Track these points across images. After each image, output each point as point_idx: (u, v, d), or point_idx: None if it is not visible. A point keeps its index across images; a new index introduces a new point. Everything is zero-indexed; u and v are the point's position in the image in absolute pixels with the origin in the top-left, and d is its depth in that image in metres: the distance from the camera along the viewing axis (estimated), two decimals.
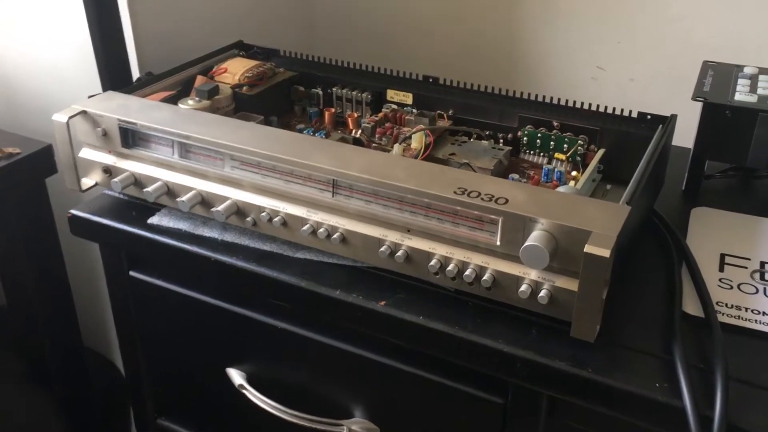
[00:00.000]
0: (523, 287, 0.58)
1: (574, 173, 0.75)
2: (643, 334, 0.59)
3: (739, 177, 0.83)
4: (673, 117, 0.73)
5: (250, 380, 0.76)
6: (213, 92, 0.79)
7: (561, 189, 0.62)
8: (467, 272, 0.59)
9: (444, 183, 0.60)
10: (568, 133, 0.76)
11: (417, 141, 0.75)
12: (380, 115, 0.82)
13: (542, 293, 0.57)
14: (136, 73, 0.90)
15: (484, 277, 0.59)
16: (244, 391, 0.75)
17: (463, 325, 0.60)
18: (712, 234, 0.72)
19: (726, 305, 0.61)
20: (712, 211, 0.76)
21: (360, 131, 0.77)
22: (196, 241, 0.70)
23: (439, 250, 0.61)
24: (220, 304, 0.74)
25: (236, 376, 0.76)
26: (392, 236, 0.62)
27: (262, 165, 0.66)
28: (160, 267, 0.77)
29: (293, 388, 0.74)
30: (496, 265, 0.59)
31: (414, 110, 0.83)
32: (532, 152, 0.79)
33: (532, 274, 0.57)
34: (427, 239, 0.61)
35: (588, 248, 0.52)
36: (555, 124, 0.77)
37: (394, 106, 0.84)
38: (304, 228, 0.65)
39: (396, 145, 0.72)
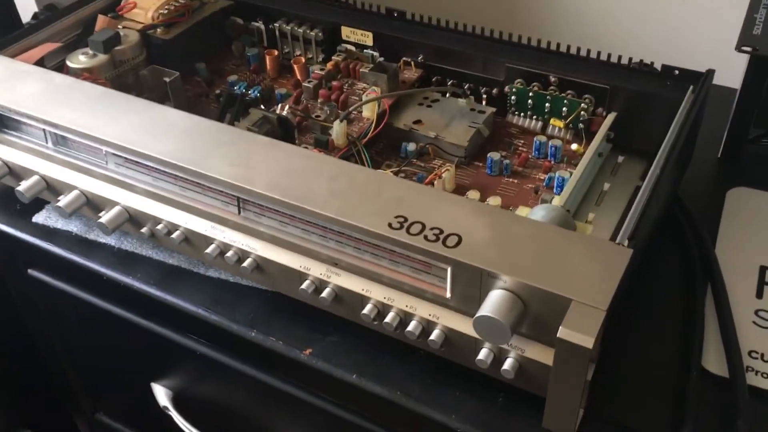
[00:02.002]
0: (482, 354, 0.43)
1: (574, 146, 0.58)
2: (645, 404, 0.45)
3: None
4: (710, 73, 0.54)
5: (177, 399, 0.63)
6: (112, 42, 0.62)
7: (538, 212, 0.45)
8: (411, 325, 0.44)
9: (379, 207, 0.43)
10: (569, 92, 0.58)
11: (369, 110, 0.58)
12: (330, 65, 0.64)
13: (507, 364, 0.42)
14: (31, 8, 0.72)
15: (433, 335, 0.44)
16: (168, 412, 0.63)
17: (408, 389, 0.46)
18: (753, 231, 0.54)
19: (762, 357, 0.46)
20: (754, 194, 0.58)
21: (288, 109, 0.58)
22: (86, 250, 0.56)
23: (375, 293, 0.45)
24: (129, 317, 0.60)
25: (161, 393, 0.64)
26: (316, 270, 0.47)
27: (148, 165, 0.50)
28: (57, 268, 0.63)
29: (225, 415, 0.62)
30: (447, 320, 0.43)
31: (374, 53, 0.65)
32: (521, 114, 0.61)
33: None
34: (361, 277, 0.46)
35: (563, 332, 0.36)
36: (552, 79, 0.58)
37: (351, 47, 0.66)
38: (209, 250, 0.50)
39: (336, 123, 0.55)
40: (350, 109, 0.57)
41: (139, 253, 0.55)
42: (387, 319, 0.45)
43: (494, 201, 0.53)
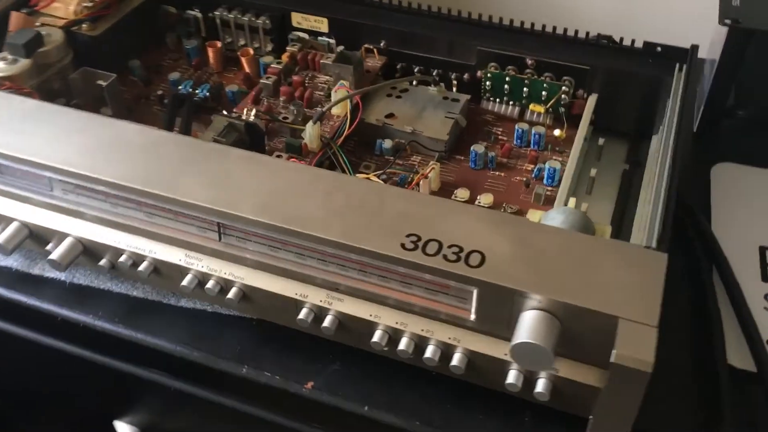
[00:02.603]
0: (512, 377, 0.39)
1: (557, 132, 0.55)
2: (672, 408, 0.43)
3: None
4: (695, 49, 0.52)
5: None
6: (34, 43, 0.54)
7: (556, 217, 0.41)
8: (429, 351, 0.40)
9: (385, 225, 0.39)
10: (547, 75, 0.55)
11: (339, 106, 0.53)
12: (285, 57, 0.59)
13: (541, 386, 0.39)
14: None
15: (454, 360, 0.40)
16: None
17: (427, 418, 0.42)
18: (746, 209, 0.53)
19: None
20: (740, 170, 0.57)
21: (252, 112, 0.52)
22: (33, 287, 0.49)
23: (385, 318, 0.41)
24: (86, 355, 0.53)
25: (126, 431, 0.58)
26: (315, 296, 0.42)
27: (104, 191, 0.43)
28: None
29: None
30: (470, 342, 0.40)
31: (330, 41, 0.59)
32: (497, 100, 0.57)
33: None
34: (367, 301, 0.41)
35: (618, 356, 0.33)
36: (528, 62, 0.55)
37: (303, 35, 0.60)
38: (186, 282, 0.44)
39: (310, 126, 0.50)
40: (324, 109, 0.52)
41: (96, 286, 0.49)
42: (401, 346, 0.41)
43: (486, 199, 0.50)
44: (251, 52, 0.60)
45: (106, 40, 0.58)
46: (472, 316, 0.39)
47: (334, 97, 0.53)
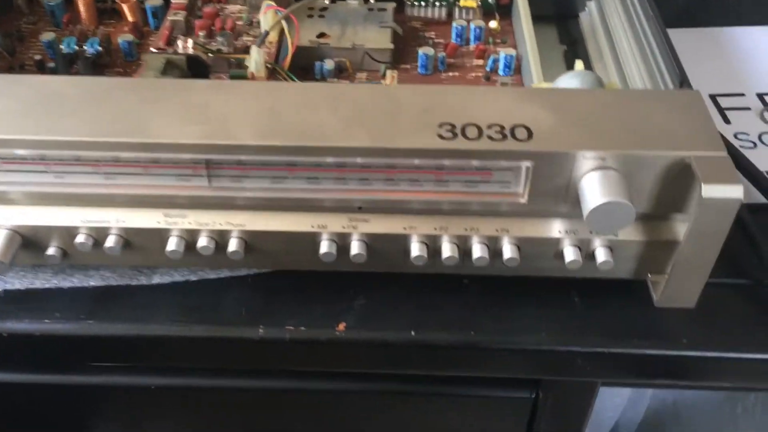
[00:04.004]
0: (570, 254, 0.37)
1: (493, 24, 0.52)
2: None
3: None
4: None
5: None
6: None
7: (572, 81, 0.39)
8: (476, 250, 0.37)
9: (413, 121, 0.35)
10: None
11: (273, 30, 0.47)
12: None
13: (602, 255, 0.37)
14: None
15: (507, 253, 0.37)
16: None
17: (479, 326, 0.39)
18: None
19: None
20: None
21: (188, 44, 0.45)
22: None
23: (422, 227, 0.37)
24: (36, 380, 0.44)
25: None
26: (335, 224, 0.37)
27: (45, 158, 0.35)
28: None
29: None
30: (519, 229, 0.37)
31: None
32: (423, 4, 0.54)
33: (581, 231, 0.37)
34: (396, 214, 0.37)
35: (709, 190, 0.32)
36: None
37: None
38: (171, 247, 0.37)
39: (255, 51, 0.43)
40: (266, 31, 0.45)
41: (39, 287, 0.40)
42: (446, 253, 0.37)
43: None
44: None
45: None
46: (524, 198, 0.36)
47: (264, 20, 0.46)
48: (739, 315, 0.39)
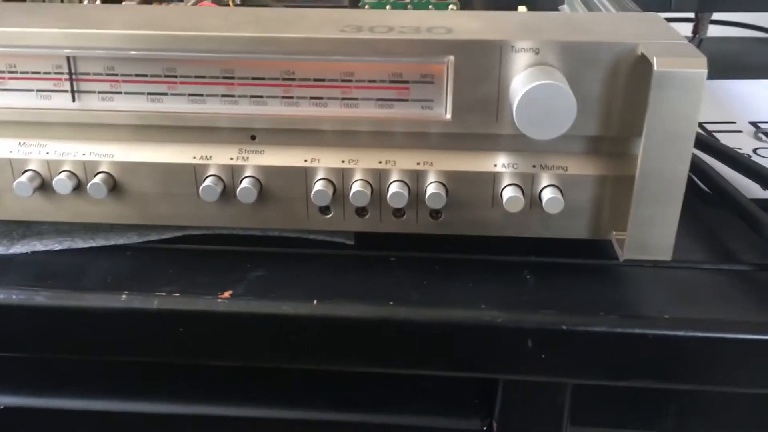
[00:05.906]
0: (509, 192, 0.29)
1: None
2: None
3: None
4: None
5: None
6: None
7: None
8: (394, 187, 0.30)
9: (314, 25, 0.29)
10: None
11: None
12: None
13: (548, 193, 0.29)
14: None
15: (430, 191, 0.29)
16: None
17: (403, 297, 0.30)
18: None
19: None
20: None
21: None
22: None
23: (326, 159, 0.30)
24: None
25: None
26: (221, 155, 0.30)
27: None
28: None
29: None
30: (445, 163, 0.30)
31: None
32: None
33: (521, 164, 0.30)
34: (296, 147, 0.30)
35: (661, 62, 0.25)
36: None
37: None
38: (23, 180, 0.30)
39: None
40: None
41: None
42: (355, 188, 0.29)
43: None
44: None
45: None
46: (448, 114, 0.29)
47: None
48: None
